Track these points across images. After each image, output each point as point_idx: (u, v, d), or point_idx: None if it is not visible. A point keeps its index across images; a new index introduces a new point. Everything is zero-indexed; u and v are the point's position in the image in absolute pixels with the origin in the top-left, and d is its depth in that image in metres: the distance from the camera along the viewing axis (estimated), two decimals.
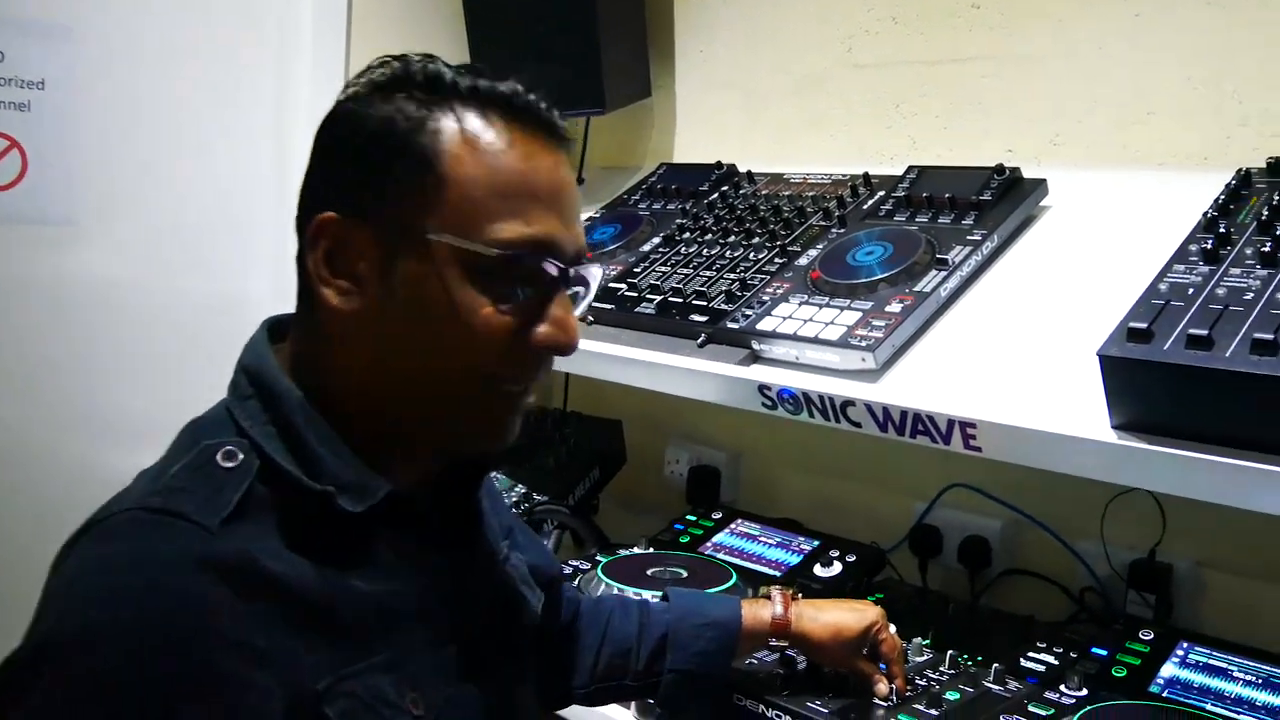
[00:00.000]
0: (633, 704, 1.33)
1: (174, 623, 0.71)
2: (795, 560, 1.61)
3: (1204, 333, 0.98)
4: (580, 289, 0.91)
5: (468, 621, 0.93)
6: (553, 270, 0.85)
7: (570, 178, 0.89)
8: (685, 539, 1.74)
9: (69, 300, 1.85)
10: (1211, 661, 1.21)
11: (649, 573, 1.54)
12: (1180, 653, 1.23)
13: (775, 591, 1.26)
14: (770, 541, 1.68)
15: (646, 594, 1.43)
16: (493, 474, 1.09)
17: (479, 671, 0.92)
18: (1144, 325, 1.01)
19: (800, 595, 1.27)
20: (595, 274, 0.92)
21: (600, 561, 1.58)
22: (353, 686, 0.79)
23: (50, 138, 1.80)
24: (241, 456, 0.80)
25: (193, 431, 0.86)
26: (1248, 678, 1.18)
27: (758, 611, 1.23)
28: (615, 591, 1.46)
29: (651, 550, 1.66)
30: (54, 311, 1.84)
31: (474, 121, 0.83)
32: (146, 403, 1.95)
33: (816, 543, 1.65)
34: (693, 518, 1.80)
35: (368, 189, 0.82)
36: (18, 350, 1.80)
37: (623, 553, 1.64)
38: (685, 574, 1.55)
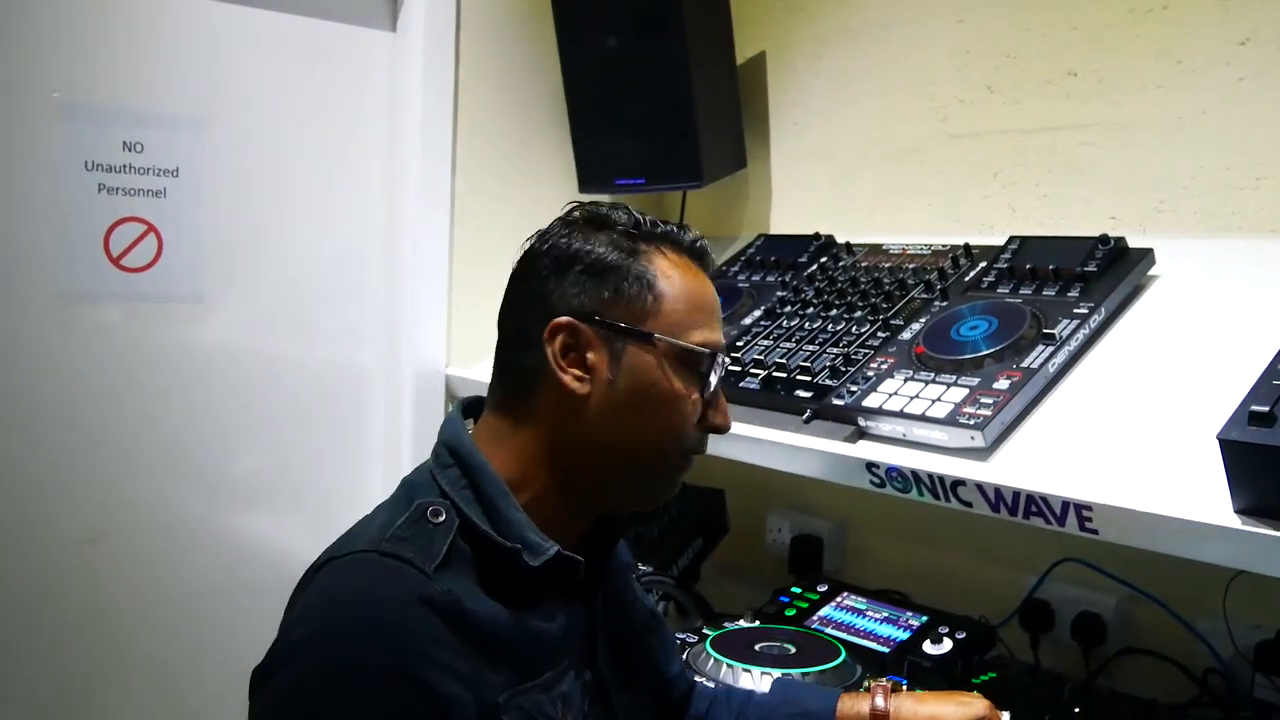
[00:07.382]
0: None
1: (402, 646, 0.92)
2: (904, 636, 1.60)
3: None
4: None
5: (598, 654, 1.14)
6: (723, 369, 1.11)
7: None
8: (791, 612, 1.73)
9: (194, 371, 1.96)
10: None
11: (757, 648, 1.54)
12: None
13: (875, 685, 1.24)
14: (877, 616, 1.67)
15: (755, 670, 1.44)
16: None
17: (607, 695, 1.13)
18: (1266, 409, 1.00)
19: (903, 687, 1.25)
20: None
21: (708, 635, 1.58)
22: (522, 702, 0.99)
23: (182, 222, 1.92)
24: (445, 514, 1.02)
25: (408, 490, 1.08)
26: None
27: (857, 704, 1.22)
28: (724, 666, 1.47)
29: (758, 624, 1.66)
30: (181, 381, 1.95)
31: (670, 254, 1.10)
32: (260, 464, 2.06)
33: (925, 618, 1.63)
34: (798, 590, 1.80)
35: (601, 300, 1.06)
36: (150, 417, 1.91)
37: (729, 626, 1.65)
38: (793, 649, 1.54)
